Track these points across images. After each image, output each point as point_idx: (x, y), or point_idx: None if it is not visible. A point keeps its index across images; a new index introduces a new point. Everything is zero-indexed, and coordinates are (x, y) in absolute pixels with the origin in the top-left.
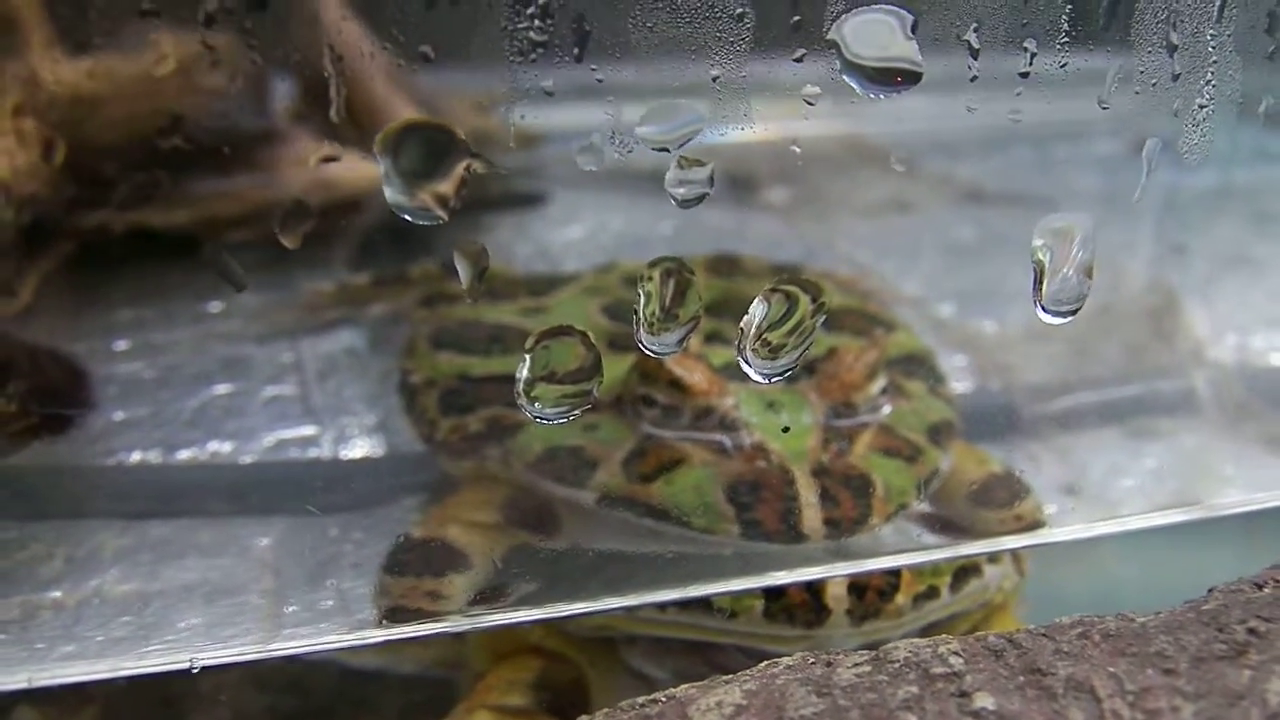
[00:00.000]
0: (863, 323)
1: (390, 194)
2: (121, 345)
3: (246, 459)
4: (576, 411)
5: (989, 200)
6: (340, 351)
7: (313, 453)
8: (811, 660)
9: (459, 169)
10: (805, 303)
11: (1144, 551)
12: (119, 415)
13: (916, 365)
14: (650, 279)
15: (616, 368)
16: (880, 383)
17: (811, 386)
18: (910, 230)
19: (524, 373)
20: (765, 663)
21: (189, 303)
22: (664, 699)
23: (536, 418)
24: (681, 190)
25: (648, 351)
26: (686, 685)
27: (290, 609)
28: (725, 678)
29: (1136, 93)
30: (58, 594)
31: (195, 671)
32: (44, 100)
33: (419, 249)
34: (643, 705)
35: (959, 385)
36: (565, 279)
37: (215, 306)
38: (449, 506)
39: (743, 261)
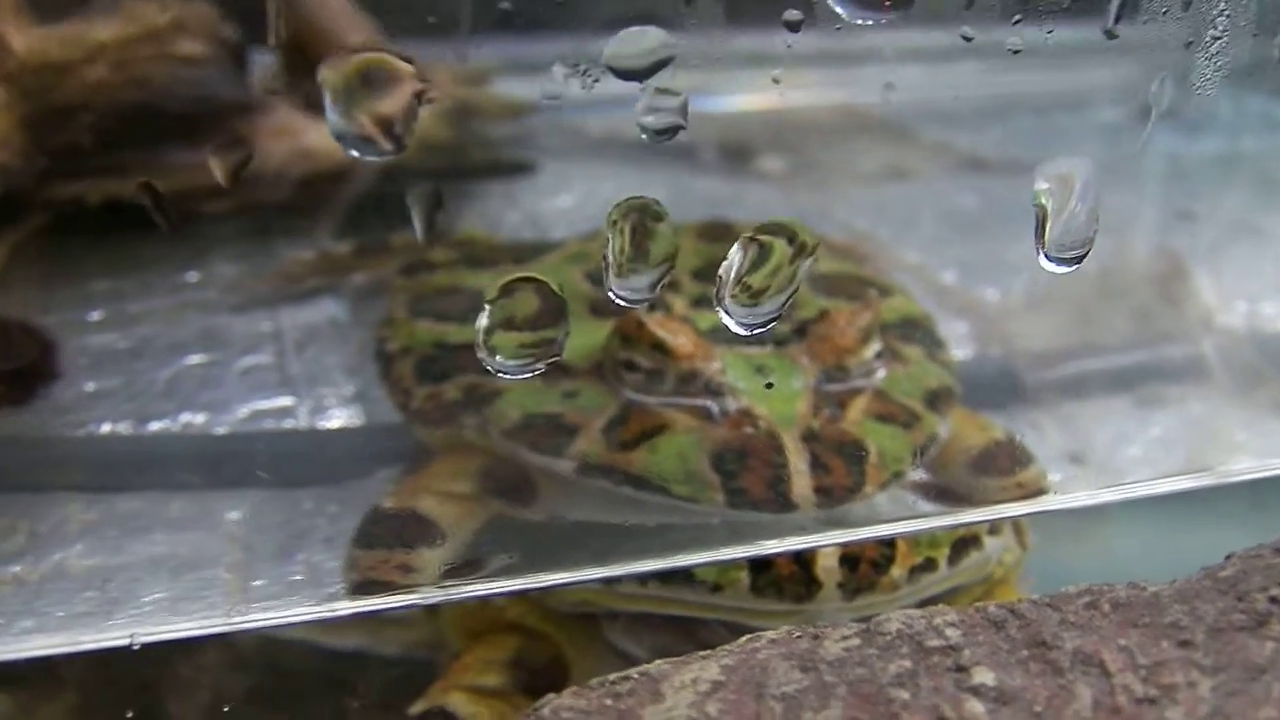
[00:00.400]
0: (858, 287)
1: (332, 122)
2: (95, 316)
3: (220, 430)
4: (539, 365)
5: (990, 168)
6: (320, 321)
7: (289, 424)
8: (797, 634)
9: (406, 97)
10: (784, 248)
11: (1151, 526)
12: (90, 386)
13: (914, 330)
14: (618, 222)
15: (598, 333)
16: (875, 346)
17: (802, 350)
18: (909, 198)
19: (483, 321)
20: (746, 637)
21: (166, 273)
22: (636, 675)
23: (498, 371)
24: (651, 119)
25: (618, 299)
26: (661, 661)
27: (258, 583)
28: (703, 653)
29: (1145, 22)
30: (18, 569)
31: (136, 648)
32: (13, 67)
33: (401, 218)
34: (614, 682)
35: (960, 352)
36: (550, 246)
37: (193, 276)
38: (422, 477)
39: (735, 228)
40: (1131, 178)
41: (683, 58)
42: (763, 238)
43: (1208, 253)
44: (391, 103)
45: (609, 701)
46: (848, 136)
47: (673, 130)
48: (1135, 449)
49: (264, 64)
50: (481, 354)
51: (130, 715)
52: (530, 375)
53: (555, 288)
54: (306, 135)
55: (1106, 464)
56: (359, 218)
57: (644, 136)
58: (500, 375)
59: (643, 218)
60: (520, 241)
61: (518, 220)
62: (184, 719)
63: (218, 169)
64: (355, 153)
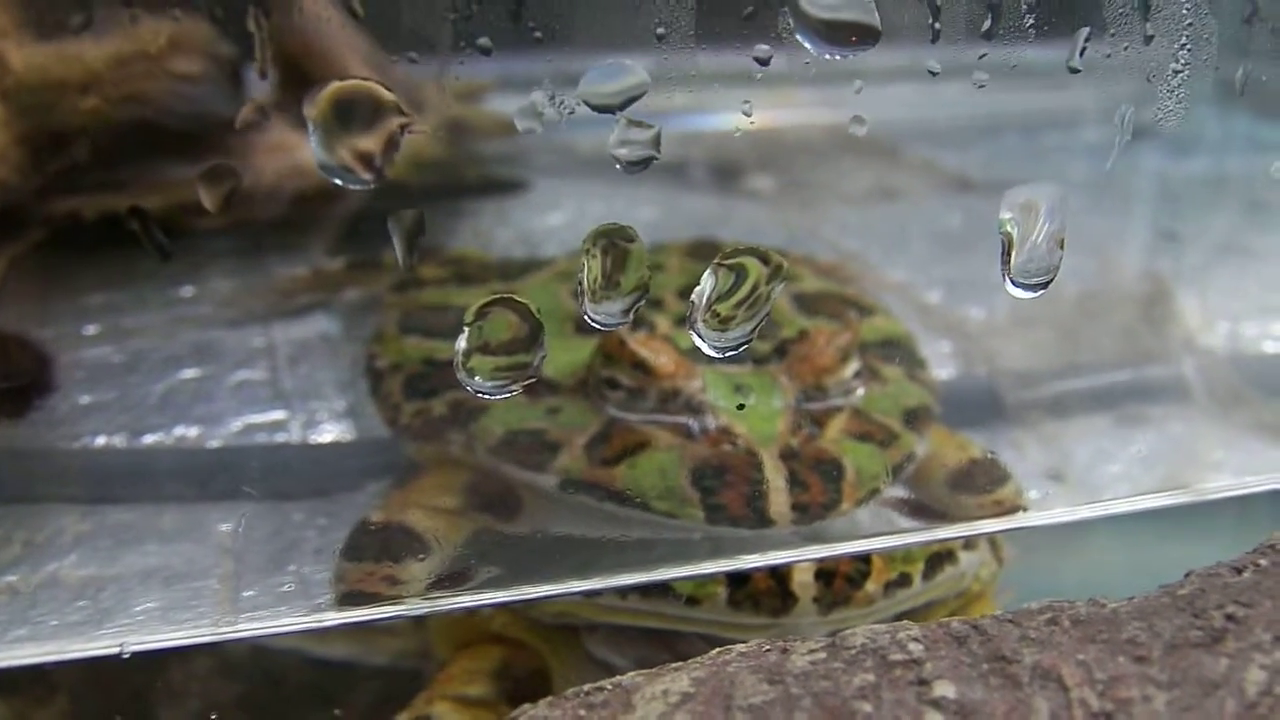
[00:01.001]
0: (839, 307)
1: (315, 153)
2: (91, 330)
3: (213, 444)
4: (515, 386)
5: (976, 188)
6: (312, 336)
7: (280, 437)
8: (766, 647)
9: (387, 130)
10: (757, 272)
11: (1133, 541)
12: (85, 399)
13: (894, 350)
14: (591, 248)
15: (582, 351)
16: (853, 366)
17: (782, 369)
18: (896, 218)
19: (462, 344)
20: (718, 650)
21: (160, 288)
22: (610, 686)
23: (477, 391)
24: (624, 151)
25: (593, 323)
26: (634, 673)
27: (248, 593)
28: (674, 665)
29: (1107, 56)
30: (13, 578)
31: (126, 657)
32: (11, 84)
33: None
34: (588, 693)
35: (944, 371)
36: (538, 264)
37: (187, 291)
38: (410, 491)
39: (723, 247)
40: (1116, 198)
41: (670, 76)
42: (733, 263)
43: (1191, 273)
44: (372, 136)
45: (583, 712)
46: (836, 156)
47: (646, 162)
48: (1115, 467)
49: (257, 86)
50: (460, 375)
51: None
52: (507, 396)
53: (533, 309)
54: (300, 152)
55: (1085, 481)
56: (352, 234)
57: (618, 168)
58: (479, 395)
59: (615, 243)
60: (510, 260)
61: (509, 238)
62: None
63: (207, 197)
64: (337, 181)
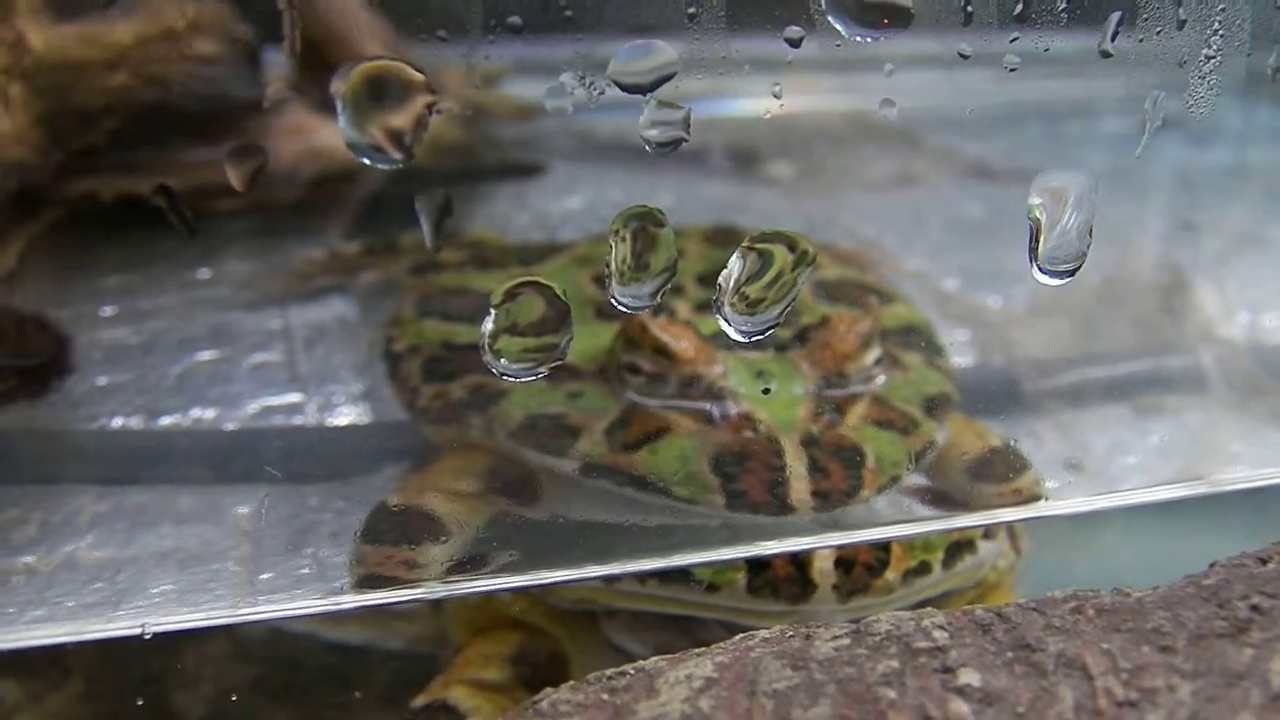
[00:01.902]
0: (860, 294)
1: (344, 131)
2: (108, 311)
3: (230, 426)
4: (542, 368)
5: (996, 176)
6: (329, 319)
7: (297, 420)
8: (790, 633)
9: (417, 108)
10: (784, 256)
11: (1148, 533)
12: (102, 380)
13: (915, 337)
14: (620, 230)
15: (603, 336)
16: (875, 352)
17: (803, 355)
18: (916, 205)
19: (489, 325)
20: (741, 635)
21: (177, 269)
22: (633, 671)
23: (502, 374)
24: (654, 132)
25: (620, 305)
26: (657, 658)
27: (265, 576)
28: (697, 650)
29: (1140, 41)
30: (30, 559)
31: (148, 638)
32: (31, 65)
33: (411, 218)
34: (610, 678)
35: (961, 360)
36: (558, 248)
37: (204, 273)
38: (428, 475)
39: (741, 233)
40: (1136, 188)
41: (691, 62)
42: (761, 247)
43: (1210, 263)
44: (402, 114)
45: (605, 696)
46: (855, 143)
47: (675, 143)
48: (1132, 458)
49: (278, 67)
50: (486, 357)
51: (138, 704)
52: (534, 378)
53: (559, 292)
54: (318, 135)
55: (1103, 472)
56: (369, 218)
57: (647, 149)
58: (504, 378)
59: (644, 226)
60: (528, 244)
61: (527, 222)
62: (190, 710)
63: (234, 175)
64: (366, 160)
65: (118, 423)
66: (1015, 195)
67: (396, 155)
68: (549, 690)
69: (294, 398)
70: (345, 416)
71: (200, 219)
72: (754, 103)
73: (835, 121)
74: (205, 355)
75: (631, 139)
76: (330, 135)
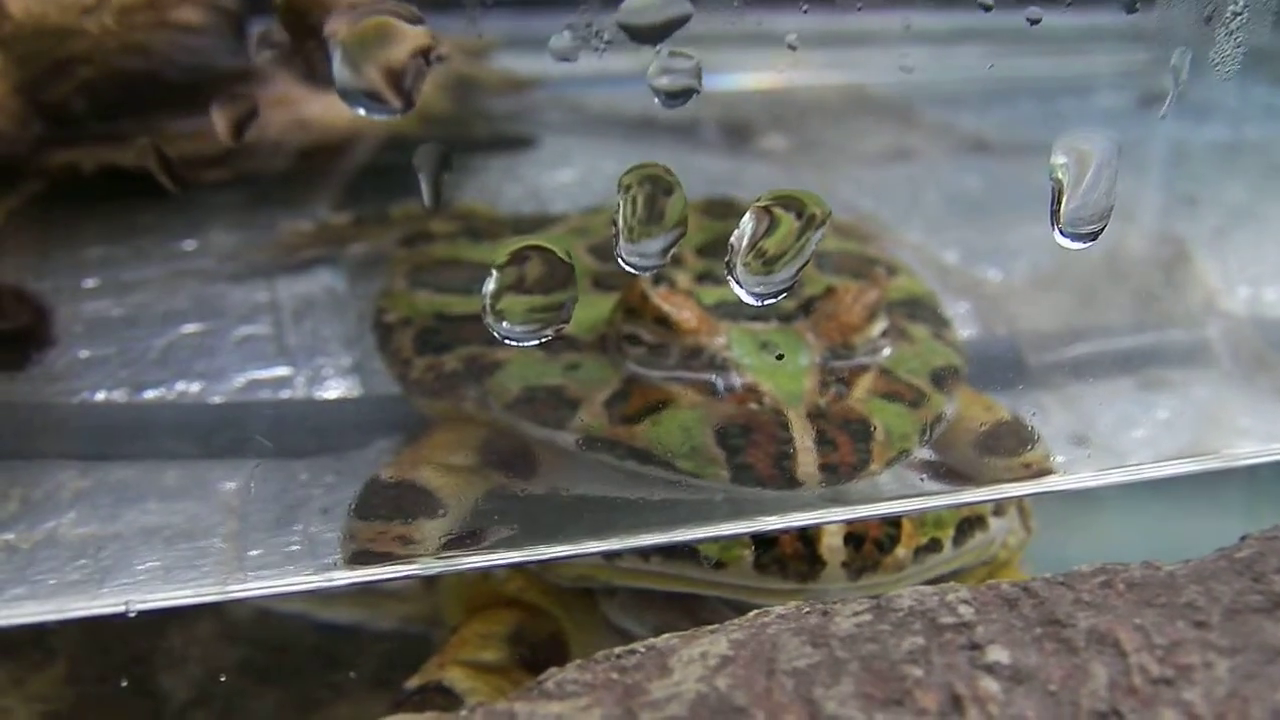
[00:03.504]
0: (863, 265)
1: (339, 77)
2: (90, 283)
3: (216, 400)
4: (547, 331)
5: (994, 150)
6: (318, 291)
7: (285, 394)
8: (806, 610)
9: (415, 52)
10: (795, 217)
11: (1149, 513)
12: (84, 353)
13: (920, 309)
14: (631, 186)
15: (601, 307)
16: (881, 324)
17: (808, 326)
18: (913, 179)
19: (491, 286)
20: (755, 612)
21: (161, 241)
22: (643, 649)
23: (505, 337)
24: (665, 80)
25: (627, 265)
26: (668, 635)
27: (254, 553)
28: (711, 627)
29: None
30: (11, 536)
31: (132, 615)
32: (10, 32)
33: (401, 189)
34: (619, 656)
35: (962, 332)
36: (551, 219)
37: (189, 245)
38: (422, 448)
39: (738, 205)
40: (1137, 163)
41: (688, 36)
42: (773, 206)
43: (1212, 238)
44: (401, 56)
45: (615, 675)
46: (851, 117)
47: (687, 93)
48: (1139, 432)
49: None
50: (488, 319)
51: (123, 686)
52: (537, 342)
53: (564, 254)
54: (305, 106)
55: (1110, 446)
56: (358, 189)
57: (657, 100)
58: (507, 341)
59: (655, 184)
60: (521, 215)
61: (519, 194)
62: (176, 691)
63: (220, 122)
64: (362, 111)
65: (100, 396)
66: (1012, 170)
67: (395, 102)
68: (554, 670)
69: (282, 371)
70: (335, 390)
71: (186, 189)
72: (746, 77)
73: (830, 96)
74: (190, 328)
75: (624, 112)
76: (318, 106)
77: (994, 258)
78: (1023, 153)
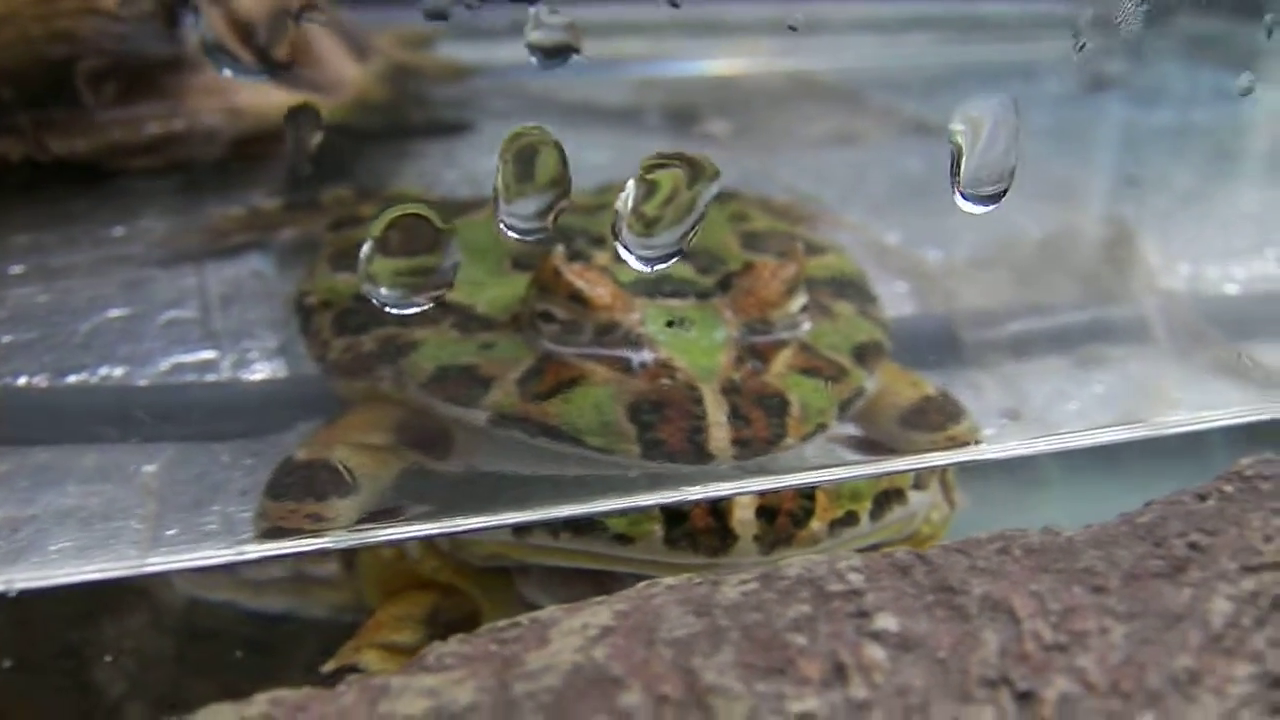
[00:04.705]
0: (787, 244)
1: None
2: (16, 269)
3: (140, 383)
4: (423, 296)
5: (936, 132)
6: (246, 276)
7: (210, 377)
8: (697, 581)
9: (282, 18)
10: (682, 175)
11: (1092, 490)
12: (6, 339)
13: (846, 287)
14: (504, 150)
15: (518, 286)
16: (800, 300)
17: (726, 303)
18: (856, 162)
19: (364, 251)
20: (645, 583)
21: (90, 228)
22: (526, 622)
23: (382, 304)
24: (539, 34)
25: (508, 231)
26: (554, 607)
27: (170, 532)
28: (598, 599)
29: None
30: None
31: (12, 596)
32: None
33: (333, 175)
34: (502, 629)
35: (900, 311)
36: (480, 203)
37: (119, 231)
38: (337, 429)
39: None
40: (1083, 146)
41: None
42: (657, 171)
43: (1156, 218)
44: (248, 5)
45: (494, 647)
46: (796, 102)
47: (563, 51)
48: (1073, 405)
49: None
50: (365, 286)
51: (53, 679)
52: (417, 310)
53: (437, 219)
54: (238, 94)
55: (1042, 419)
56: (290, 176)
57: (532, 60)
58: (388, 309)
59: (531, 146)
60: (452, 198)
61: (455, 178)
62: (108, 683)
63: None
64: (227, 71)
65: (21, 381)
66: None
67: (246, 57)
68: (437, 644)
69: (207, 354)
70: (259, 373)
71: (116, 178)
72: (692, 65)
73: (776, 82)
74: (116, 312)
75: (562, 98)
76: (250, 94)
77: (935, 238)
78: None
